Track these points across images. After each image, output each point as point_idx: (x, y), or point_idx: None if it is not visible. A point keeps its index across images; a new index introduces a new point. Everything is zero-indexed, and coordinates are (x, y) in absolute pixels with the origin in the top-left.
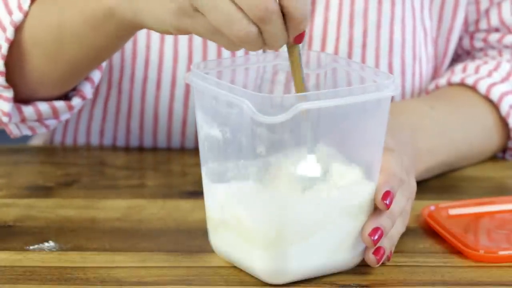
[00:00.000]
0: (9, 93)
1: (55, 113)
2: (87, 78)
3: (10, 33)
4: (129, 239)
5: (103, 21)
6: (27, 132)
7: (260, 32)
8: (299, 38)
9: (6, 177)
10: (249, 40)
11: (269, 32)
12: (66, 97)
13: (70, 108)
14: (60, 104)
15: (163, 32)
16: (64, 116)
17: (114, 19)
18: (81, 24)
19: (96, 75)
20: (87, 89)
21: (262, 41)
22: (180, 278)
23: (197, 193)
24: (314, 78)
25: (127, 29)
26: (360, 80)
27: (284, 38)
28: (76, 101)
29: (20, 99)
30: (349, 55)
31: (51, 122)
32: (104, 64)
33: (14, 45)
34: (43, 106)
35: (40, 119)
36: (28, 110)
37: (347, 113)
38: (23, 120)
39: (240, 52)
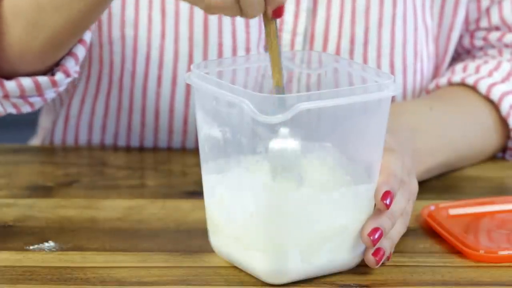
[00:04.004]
0: None
1: (39, 89)
2: (71, 54)
3: None
4: (129, 239)
5: None
6: (11, 109)
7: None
8: (278, 12)
9: (6, 177)
10: (225, 6)
11: (247, 1)
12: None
13: (54, 84)
14: (43, 79)
15: None
16: (49, 94)
17: None
18: None
19: (80, 51)
20: (71, 65)
21: (239, 8)
22: (180, 278)
23: (197, 193)
24: (315, 78)
25: None
26: (361, 80)
27: (261, 7)
28: (59, 76)
29: (2, 75)
30: (351, 53)
31: (35, 100)
32: (88, 39)
33: None
34: (26, 81)
35: (23, 95)
36: (10, 85)
37: (348, 113)
38: (6, 95)
39: (241, 52)
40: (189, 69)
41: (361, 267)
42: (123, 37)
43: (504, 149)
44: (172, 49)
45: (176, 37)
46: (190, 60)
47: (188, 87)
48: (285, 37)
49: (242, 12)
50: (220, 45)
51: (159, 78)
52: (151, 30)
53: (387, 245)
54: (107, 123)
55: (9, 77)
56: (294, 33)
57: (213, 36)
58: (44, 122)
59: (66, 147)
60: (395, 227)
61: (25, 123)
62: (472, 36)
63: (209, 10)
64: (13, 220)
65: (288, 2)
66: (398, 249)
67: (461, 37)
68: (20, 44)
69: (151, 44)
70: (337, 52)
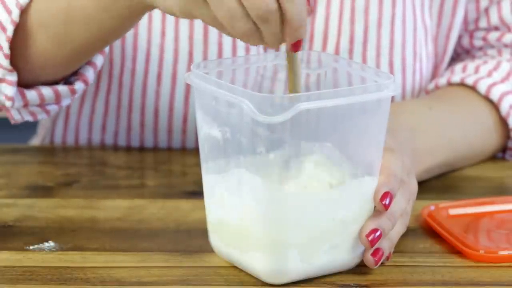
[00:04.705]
0: (13, 77)
1: (57, 98)
2: (90, 63)
3: (15, 15)
4: (129, 239)
5: (114, 1)
6: (28, 117)
7: (259, 30)
8: (296, 46)
9: (6, 177)
10: (247, 37)
11: (267, 31)
12: (66, 81)
13: (73, 92)
14: (63, 89)
15: (169, 12)
16: (65, 101)
17: None
18: (92, 6)
19: (99, 60)
20: (90, 74)
21: (261, 38)
22: (180, 278)
23: (197, 193)
24: (315, 78)
25: (137, 9)
26: (361, 80)
27: (281, 39)
28: (78, 86)
29: (22, 84)
30: (350, 52)
31: (52, 108)
32: (107, 49)
33: (20, 28)
34: (46, 91)
35: (42, 103)
36: (31, 94)
37: (348, 113)
38: (26, 104)
39: (241, 52)
40: (189, 68)
41: (361, 267)
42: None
43: (504, 149)
44: (172, 47)
45: (176, 36)
46: (190, 58)
47: (188, 86)
48: None
49: (265, 42)
50: (220, 44)
51: (159, 77)
52: (151, 28)
53: (386, 245)
54: (107, 122)
55: (28, 85)
56: None
57: (213, 35)
58: (44, 120)
59: (66, 147)
60: (394, 227)
61: (25, 123)
62: (471, 36)
63: (237, 37)
64: (13, 220)
65: None
66: (398, 249)
67: (460, 37)
68: (44, 56)
69: (151, 42)
70: (337, 51)
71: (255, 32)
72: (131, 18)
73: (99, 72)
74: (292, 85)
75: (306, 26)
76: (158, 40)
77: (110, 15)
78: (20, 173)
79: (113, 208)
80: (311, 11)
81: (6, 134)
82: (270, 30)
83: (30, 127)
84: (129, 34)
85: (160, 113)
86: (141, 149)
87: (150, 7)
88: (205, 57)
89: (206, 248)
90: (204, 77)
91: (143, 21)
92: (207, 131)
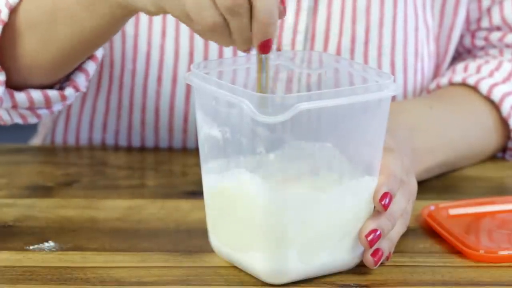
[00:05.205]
0: (1, 76)
1: (48, 102)
2: (82, 69)
3: (4, 15)
4: (129, 239)
5: (96, 1)
6: (18, 120)
7: (228, 26)
8: (264, 46)
9: (6, 177)
10: (215, 30)
11: (235, 26)
12: (60, 87)
13: (63, 98)
14: (52, 93)
15: (143, 10)
16: (57, 107)
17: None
18: (75, 5)
19: (91, 67)
20: (81, 81)
21: (229, 35)
22: (180, 278)
23: (197, 193)
24: (316, 78)
25: (119, 10)
26: (362, 80)
27: (249, 37)
28: (69, 91)
29: (12, 86)
30: (352, 52)
31: (43, 112)
32: (100, 56)
33: (8, 28)
34: (36, 94)
35: (32, 107)
36: (20, 96)
37: (348, 113)
38: (15, 106)
39: (241, 52)
40: (189, 68)
41: (361, 267)
42: (123, 35)
43: (504, 149)
44: (172, 47)
45: (177, 36)
46: (191, 58)
47: (188, 85)
48: (286, 35)
49: (233, 40)
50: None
51: (159, 77)
52: (152, 28)
53: (386, 245)
54: (108, 121)
55: (18, 88)
56: (295, 31)
57: None
58: (45, 120)
59: (66, 147)
60: (394, 228)
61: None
62: (473, 36)
63: (201, 33)
64: (13, 220)
65: (289, 0)
66: (398, 249)
67: (462, 37)
68: (31, 56)
69: (152, 43)
70: (338, 50)
71: (223, 26)
72: (113, 20)
73: (99, 72)
74: (259, 89)
75: (276, 26)
76: (158, 40)
77: (91, 15)
78: (21, 173)
79: (113, 208)
80: (284, 12)
81: (6, 134)
82: (238, 25)
83: (30, 127)
84: (130, 35)
85: (161, 113)
86: (142, 149)
87: (129, 8)
88: (205, 57)
89: (206, 248)
90: (204, 77)
91: (144, 21)
92: (207, 131)
